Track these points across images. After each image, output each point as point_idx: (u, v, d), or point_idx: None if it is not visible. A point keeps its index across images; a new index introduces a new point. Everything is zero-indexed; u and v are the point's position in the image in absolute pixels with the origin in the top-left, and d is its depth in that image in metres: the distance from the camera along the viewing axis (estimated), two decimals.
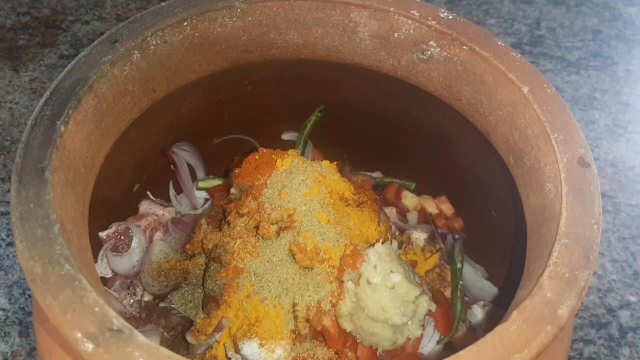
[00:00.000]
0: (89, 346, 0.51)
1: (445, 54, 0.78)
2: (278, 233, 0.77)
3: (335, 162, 0.83)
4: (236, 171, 0.84)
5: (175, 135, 0.92)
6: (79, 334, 0.51)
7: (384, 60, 0.83)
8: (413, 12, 0.78)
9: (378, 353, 0.77)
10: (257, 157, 0.82)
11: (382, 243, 0.76)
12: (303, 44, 0.83)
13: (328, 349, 0.76)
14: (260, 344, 0.73)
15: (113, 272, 0.88)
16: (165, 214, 0.92)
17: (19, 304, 1.03)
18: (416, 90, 0.83)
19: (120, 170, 0.83)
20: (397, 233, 0.93)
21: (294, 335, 0.75)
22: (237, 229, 0.79)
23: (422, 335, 0.78)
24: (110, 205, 0.85)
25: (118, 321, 0.52)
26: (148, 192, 0.95)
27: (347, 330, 0.75)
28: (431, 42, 0.78)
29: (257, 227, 0.77)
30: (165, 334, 0.82)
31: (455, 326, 0.83)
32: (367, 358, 0.76)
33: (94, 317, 0.52)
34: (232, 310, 0.75)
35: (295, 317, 0.74)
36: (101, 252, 0.87)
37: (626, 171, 1.24)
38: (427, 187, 1.00)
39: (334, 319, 0.74)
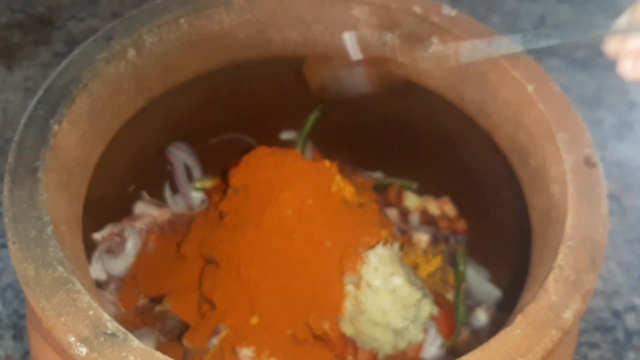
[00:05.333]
0: (83, 350, 0.50)
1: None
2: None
3: (335, 162, 0.83)
4: (234, 171, 0.82)
5: (172, 135, 0.92)
6: (73, 338, 0.51)
7: None
8: (415, 8, 0.78)
9: (379, 358, 0.76)
10: (255, 156, 0.81)
11: (383, 245, 0.76)
12: (302, 41, 0.83)
13: (328, 354, 0.75)
14: (258, 349, 0.73)
15: (108, 274, 0.87)
16: (162, 214, 0.91)
17: (13, 307, 1.02)
18: (418, 88, 0.82)
19: (115, 170, 0.82)
20: (398, 234, 0.93)
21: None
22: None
23: (424, 339, 0.78)
24: (105, 206, 0.84)
25: (112, 325, 0.52)
26: (144, 193, 0.94)
27: (347, 335, 0.74)
28: (433, 40, 0.78)
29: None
30: (161, 337, 0.81)
31: (458, 330, 0.83)
32: None
33: (88, 320, 0.52)
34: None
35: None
36: (95, 254, 0.86)
37: (633, 172, 1.23)
38: (429, 188, 0.99)
39: (333, 323, 0.74)
